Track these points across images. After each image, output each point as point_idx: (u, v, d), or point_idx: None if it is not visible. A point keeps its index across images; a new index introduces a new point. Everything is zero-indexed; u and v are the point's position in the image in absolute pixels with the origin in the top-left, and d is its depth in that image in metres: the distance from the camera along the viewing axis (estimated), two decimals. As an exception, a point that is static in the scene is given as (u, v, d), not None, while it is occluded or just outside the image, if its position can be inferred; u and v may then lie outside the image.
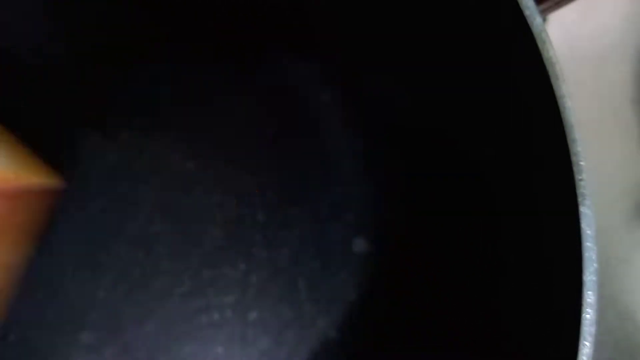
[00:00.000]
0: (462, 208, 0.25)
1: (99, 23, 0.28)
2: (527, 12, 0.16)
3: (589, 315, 0.15)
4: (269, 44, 0.29)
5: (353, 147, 0.29)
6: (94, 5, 0.28)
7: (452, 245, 0.25)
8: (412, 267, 0.27)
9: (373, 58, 0.28)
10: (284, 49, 0.29)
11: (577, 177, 0.16)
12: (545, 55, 0.16)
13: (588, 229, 0.16)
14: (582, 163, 0.16)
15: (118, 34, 0.28)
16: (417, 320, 0.26)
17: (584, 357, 0.15)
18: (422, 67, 0.25)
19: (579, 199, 0.16)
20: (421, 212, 0.27)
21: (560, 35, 0.33)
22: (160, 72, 0.28)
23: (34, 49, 0.27)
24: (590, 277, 0.15)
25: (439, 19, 0.22)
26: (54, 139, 0.27)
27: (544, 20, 0.28)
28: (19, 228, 0.24)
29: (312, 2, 0.28)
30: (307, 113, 0.29)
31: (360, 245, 0.28)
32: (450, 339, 0.24)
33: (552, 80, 0.16)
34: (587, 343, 0.15)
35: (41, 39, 0.27)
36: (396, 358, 0.27)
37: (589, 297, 0.15)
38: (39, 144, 0.25)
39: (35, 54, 0.27)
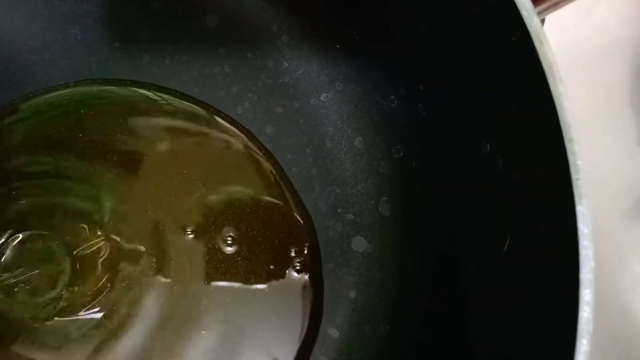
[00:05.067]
0: (461, 208, 0.25)
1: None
2: (524, 13, 0.16)
3: (586, 313, 0.15)
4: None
5: (353, 146, 0.29)
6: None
7: (451, 245, 0.25)
8: (411, 266, 0.27)
9: (377, 55, 0.28)
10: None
11: (574, 176, 0.16)
12: (542, 55, 0.16)
13: (585, 228, 0.16)
14: (579, 162, 0.16)
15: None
16: (417, 318, 0.26)
17: (582, 355, 0.15)
18: (423, 68, 0.26)
19: (576, 198, 0.16)
20: (421, 212, 0.27)
21: (558, 36, 0.33)
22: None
23: None
24: (587, 275, 0.16)
25: (438, 20, 0.22)
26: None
27: (542, 21, 0.28)
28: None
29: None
30: (307, 113, 0.29)
31: (360, 244, 0.28)
32: (449, 336, 0.24)
33: (550, 80, 0.16)
34: (584, 341, 0.15)
35: None
36: (395, 356, 0.27)
37: (586, 295, 0.15)
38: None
39: None
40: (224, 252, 0.26)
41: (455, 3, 0.20)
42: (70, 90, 0.27)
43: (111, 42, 0.28)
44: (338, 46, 0.29)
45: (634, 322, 0.32)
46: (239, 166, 0.27)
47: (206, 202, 0.27)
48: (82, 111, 0.27)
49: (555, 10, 0.25)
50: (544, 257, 0.18)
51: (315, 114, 0.29)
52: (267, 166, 0.27)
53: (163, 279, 0.26)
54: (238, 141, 0.27)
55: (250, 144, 0.27)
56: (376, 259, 0.28)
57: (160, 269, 0.26)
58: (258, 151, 0.28)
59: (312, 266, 0.27)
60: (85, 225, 0.25)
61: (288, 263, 0.27)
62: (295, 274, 0.27)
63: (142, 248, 0.25)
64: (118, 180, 0.26)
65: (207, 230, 0.26)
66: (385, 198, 0.28)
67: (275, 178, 0.27)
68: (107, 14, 0.28)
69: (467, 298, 0.23)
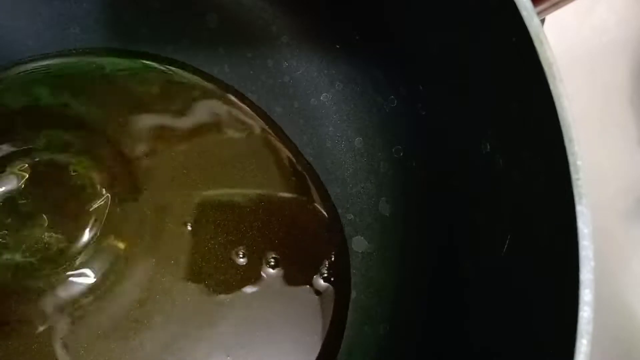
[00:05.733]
0: (462, 208, 0.25)
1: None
2: (524, 13, 0.16)
3: (586, 313, 0.15)
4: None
5: (353, 146, 0.29)
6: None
7: (451, 245, 0.25)
8: (411, 266, 0.27)
9: (377, 55, 0.28)
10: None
11: (574, 176, 0.16)
12: (542, 55, 0.16)
13: (585, 228, 0.16)
14: (579, 162, 0.16)
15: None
16: (417, 318, 0.26)
17: (582, 355, 0.15)
18: (423, 68, 0.26)
19: (576, 198, 0.16)
20: (421, 212, 0.27)
21: (558, 36, 0.33)
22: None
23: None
24: (587, 275, 0.16)
25: (438, 20, 0.22)
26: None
27: (542, 21, 0.28)
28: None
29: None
30: (307, 113, 0.29)
31: (360, 244, 0.28)
32: (449, 336, 0.24)
33: (550, 80, 0.16)
34: (584, 341, 0.15)
35: None
36: (395, 356, 0.27)
37: (586, 295, 0.15)
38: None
39: None
40: (239, 250, 0.25)
41: (455, 3, 0.20)
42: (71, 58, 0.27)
43: (111, 42, 0.28)
44: (338, 46, 0.29)
45: (634, 322, 0.32)
46: (256, 155, 0.26)
47: (211, 193, 0.26)
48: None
49: (555, 10, 0.25)
50: (544, 257, 0.18)
51: (315, 114, 0.29)
52: (286, 154, 0.26)
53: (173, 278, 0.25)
54: (255, 124, 0.26)
55: (265, 127, 0.26)
56: (376, 259, 0.28)
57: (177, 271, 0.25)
58: (274, 134, 0.26)
59: (339, 274, 0.26)
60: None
61: (316, 271, 0.26)
62: (322, 282, 0.26)
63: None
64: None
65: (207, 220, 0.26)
66: (385, 198, 0.28)
67: (295, 168, 0.26)
68: (107, 14, 0.28)
69: (466, 298, 0.24)
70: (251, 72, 0.29)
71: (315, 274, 0.26)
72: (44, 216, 0.24)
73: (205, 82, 0.27)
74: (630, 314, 0.32)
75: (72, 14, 0.28)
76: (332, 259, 0.26)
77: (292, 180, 0.26)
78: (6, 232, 0.24)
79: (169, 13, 0.28)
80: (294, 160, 0.26)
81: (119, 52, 0.27)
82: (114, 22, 0.28)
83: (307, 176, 0.26)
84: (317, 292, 0.26)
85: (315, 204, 0.27)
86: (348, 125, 0.29)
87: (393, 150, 0.28)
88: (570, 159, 0.16)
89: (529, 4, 0.16)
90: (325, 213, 0.27)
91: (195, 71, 0.27)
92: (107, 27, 0.28)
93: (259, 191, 0.27)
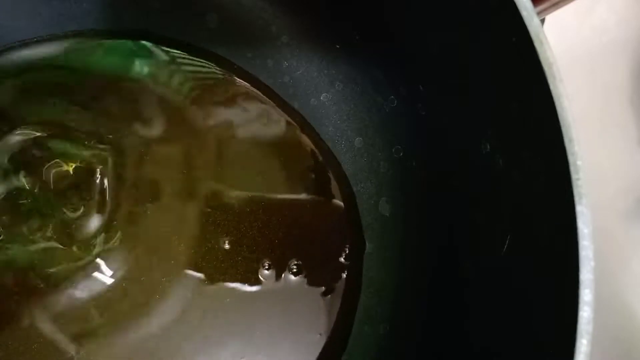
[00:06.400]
0: (462, 208, 0.25)
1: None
2: (524, 13, 0.16)
3: (586, 313, 0.15)
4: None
5: (353, 146, 0.29)
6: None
7: (451, 245, 0.25)
8: (411, 266, 0.27)
9: (377, 55, 0.28)
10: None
11: (574, 176, 0.16)
12: (542, 55, 0.16)
13: (585, 228, 0.16)
14: (579, 162, 0.16)
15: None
16: (417, 318, 0.26)
17: (582, 355, 0.15)
18: (423, 68, 0.26)
19: (576, 198, 0.16)
20: (421, 212, 0.27)
21: (558, 36, 0.33)
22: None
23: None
24: (587, 275, 0.15)
25: (438, 20, 0.22)
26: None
27: (542, 21, 0.28)
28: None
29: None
30: (307, 113, 0.29)
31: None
32: (449, 336, 0.24)
33: (550, 80, 0.16)
34: (584, 341, 0.15)
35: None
36: (395, 356, 0.27)
37: (586, 295, 0.15)
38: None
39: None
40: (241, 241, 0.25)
41: (455, 3, 0.20)
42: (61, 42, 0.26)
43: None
44: (338, 46, 0.29)
45: (634, 322, 0.32)
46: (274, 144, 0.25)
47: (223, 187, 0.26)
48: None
49: (555, 10, 0.25)
50: (544, 257, 0.18)
51: (315, 114, 0.29)
52: (307, 142, 0.25)
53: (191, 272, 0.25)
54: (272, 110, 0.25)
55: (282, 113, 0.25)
56: (376, 259, 0.28)
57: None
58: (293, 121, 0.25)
59: (352, 268, 0.25)
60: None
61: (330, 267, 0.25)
62: (333, 278, 0.26)
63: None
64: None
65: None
66: (385, 198, 0.28)
67: (314, 156, 0.25)
68: (107, 14, 0.28)
69: (466, 298, 0.23)
70: (251, 72, 0.29)
71: (329, 270, 0.26)
72: (44, 214, 0.24)
73: (215, 68, 0.26)
74: (630, 314, 0.32)
75: (72, 14, 0.28)
76: (347, 251, 0.26)
77: (309, 174, 0.26)
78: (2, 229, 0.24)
79: (169, 13, 0.28)
80: (314, 147, 0.26)
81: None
82: (113, 22, 0.28)
83: (327, 166, 0.26)
84: (329, 289, 0.26)
85: (335, 200, 0.26)
86: (348, 125, 0.29)
87: (393, 150, 0.28)
88: (570, 159, 0.16)
89: (529, 4, 0.16)
90: (342, 204, 0.26)
91: (200, 53, 0.27)
92: (108, 27, 0.28)
93: (259, 190, 0.27)
